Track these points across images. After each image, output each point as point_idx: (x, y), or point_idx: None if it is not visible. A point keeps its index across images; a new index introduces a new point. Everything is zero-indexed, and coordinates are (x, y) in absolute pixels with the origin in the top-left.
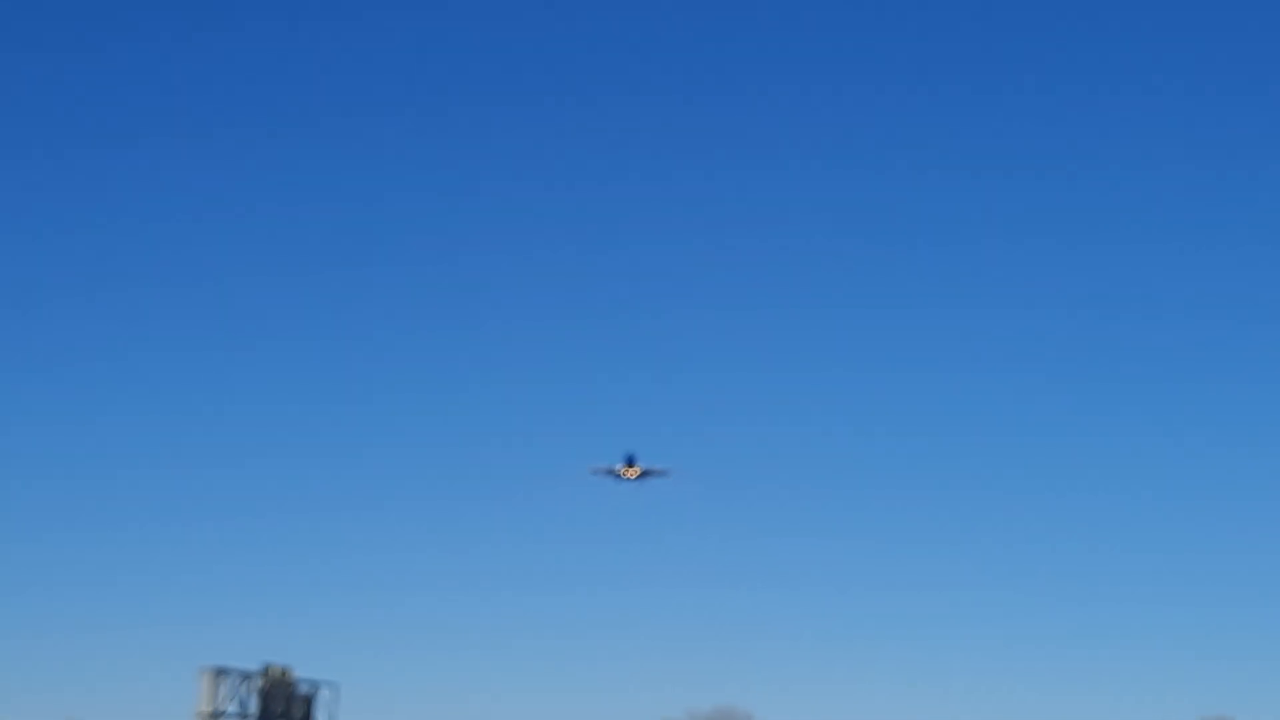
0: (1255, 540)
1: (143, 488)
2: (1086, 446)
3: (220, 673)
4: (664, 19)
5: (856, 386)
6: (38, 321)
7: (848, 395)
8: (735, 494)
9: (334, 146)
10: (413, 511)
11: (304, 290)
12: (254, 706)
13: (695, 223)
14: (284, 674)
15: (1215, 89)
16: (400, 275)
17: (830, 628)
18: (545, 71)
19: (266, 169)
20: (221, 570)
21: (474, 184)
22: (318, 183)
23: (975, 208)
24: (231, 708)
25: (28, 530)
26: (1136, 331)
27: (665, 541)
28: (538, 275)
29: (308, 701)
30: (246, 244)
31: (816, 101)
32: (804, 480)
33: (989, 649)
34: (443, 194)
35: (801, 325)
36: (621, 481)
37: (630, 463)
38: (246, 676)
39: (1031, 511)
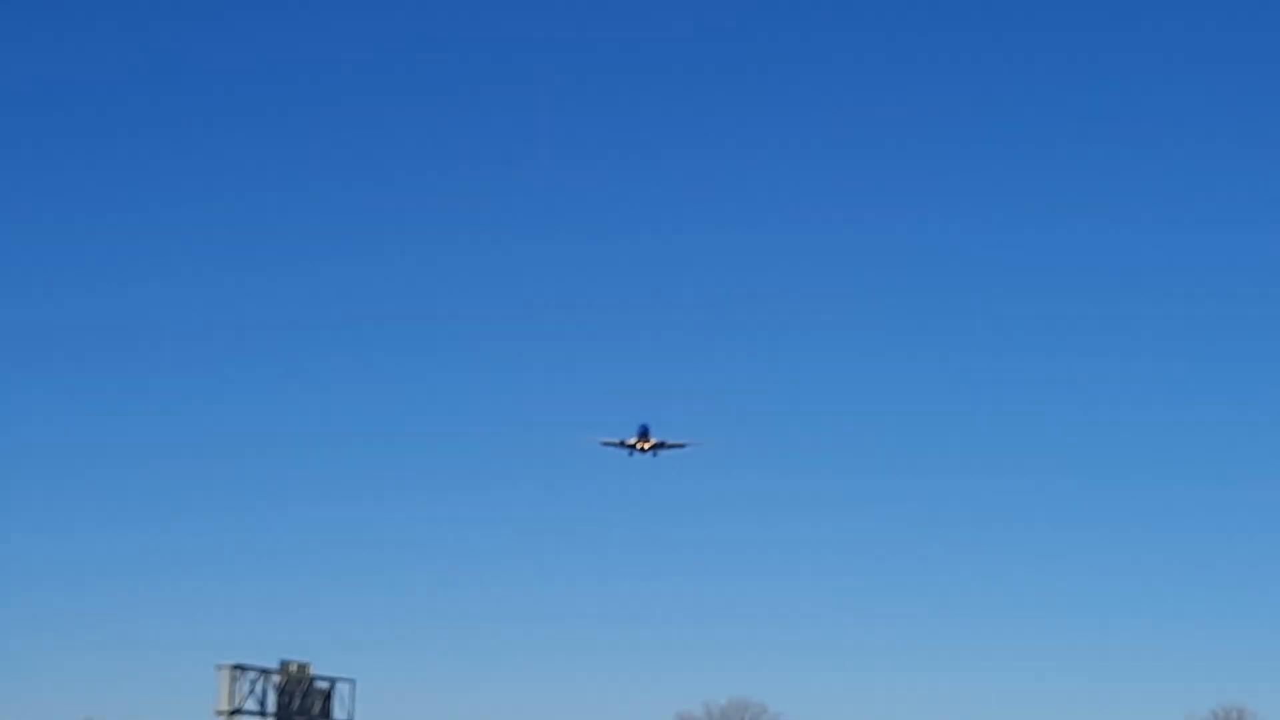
0: (1271, 531)
1: (158, 484)
2: (1106, 435)
3: (238, 669)
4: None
5: (876, 372)
6: (46, 318)
7: (868, 383)
8: (753, 471)
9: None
10: (428, 505)
11: (311, 279)
12: (272, 703)
13: (709, 207)
14: (302, 670)
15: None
16: (410, 269)
17: (848, 619)
18: (570, 54)
19: (267, 161)
20: (238, 567)
21: (489, 169)
22: (323, 166)
23: (986, 192)
24: (249, 704)
25: (43, 528)
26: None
27: (680, 525)
28: (545, 263)
29: (326, 697)
30: (260, 232)
31: (825, 84)
32: (822, 465)
33: (1004, 639)
34: (454, 181)
35: (827, 308)
36: (635, 455)
37: (644, 434)
38: (264, 673)
39: (1045, 502)
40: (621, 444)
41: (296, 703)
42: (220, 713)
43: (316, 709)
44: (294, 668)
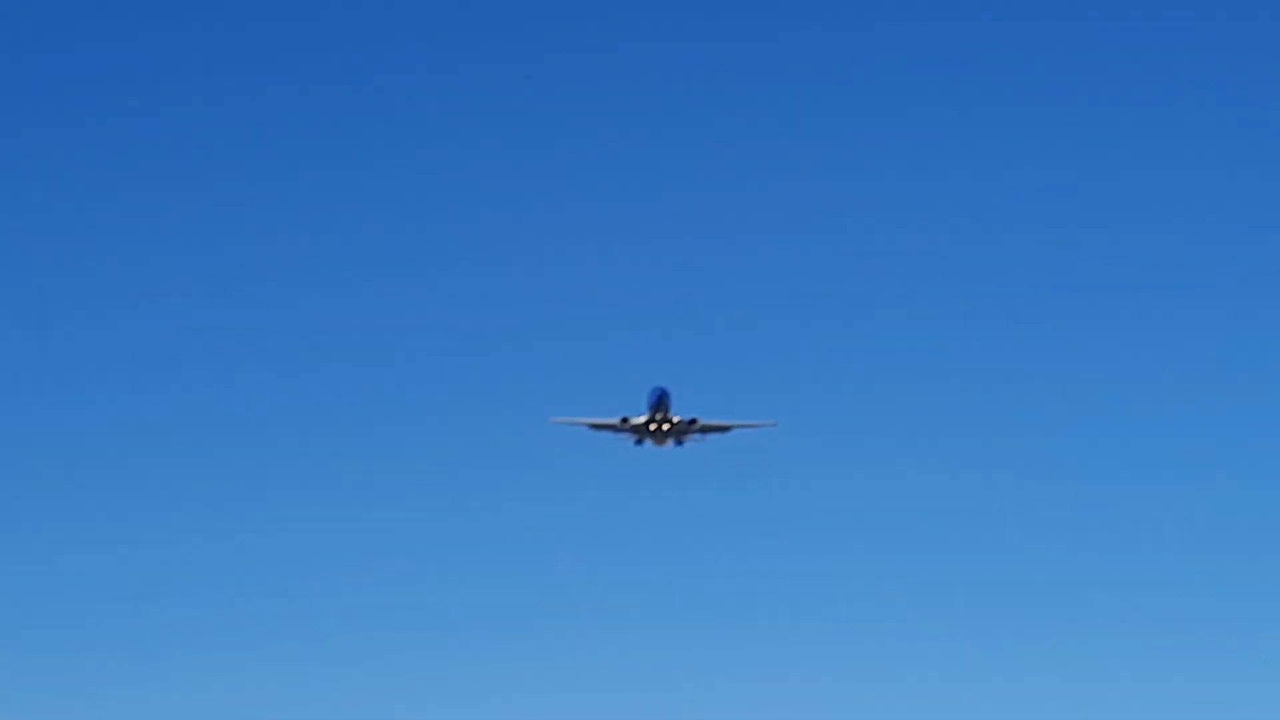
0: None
1: (160, 524)
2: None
3: None
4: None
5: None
6: (41, 337)
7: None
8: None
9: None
10: (426, 557)
11: (309, 294)
12: None
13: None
14: None
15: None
16: (408, 273)
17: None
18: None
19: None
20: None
21: (497, 171)
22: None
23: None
24: None
25: (45, 579)
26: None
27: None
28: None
29: None
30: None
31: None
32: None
33: (1026, 650)
34: (457, 187)
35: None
36: (645, 444)
37: (661, 406)
38: None
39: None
40: (624, 425)
41: None
42: None
43: None
44: None
